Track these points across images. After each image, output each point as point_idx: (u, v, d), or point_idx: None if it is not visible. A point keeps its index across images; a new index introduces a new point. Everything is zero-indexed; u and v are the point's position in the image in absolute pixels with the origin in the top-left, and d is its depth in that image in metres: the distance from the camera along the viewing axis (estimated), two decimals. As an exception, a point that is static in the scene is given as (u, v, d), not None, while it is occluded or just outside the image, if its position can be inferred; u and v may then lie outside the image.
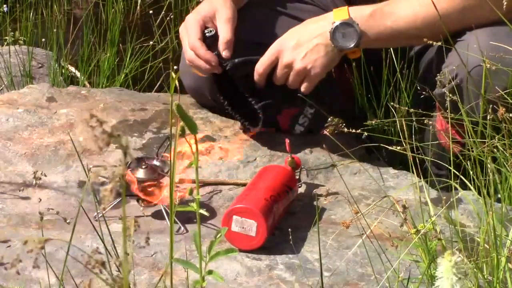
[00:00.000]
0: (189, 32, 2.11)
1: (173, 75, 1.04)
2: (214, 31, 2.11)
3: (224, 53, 2.09)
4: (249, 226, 1.79)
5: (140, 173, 1.95)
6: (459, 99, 1.74)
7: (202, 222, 1.93)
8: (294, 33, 2.08)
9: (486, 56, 1.78)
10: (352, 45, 2.02)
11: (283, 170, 1.97)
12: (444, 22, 1.86)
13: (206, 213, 1.13)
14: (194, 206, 1.12)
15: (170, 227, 1.12)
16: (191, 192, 1.16)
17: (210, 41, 2.11)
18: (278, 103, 2.18)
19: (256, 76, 2.10)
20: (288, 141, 2.02)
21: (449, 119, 1.77)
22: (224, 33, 2.10)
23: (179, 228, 1.89)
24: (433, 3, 1.83)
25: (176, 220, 1.88)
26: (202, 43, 2.10)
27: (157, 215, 1.95)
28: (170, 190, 1.10)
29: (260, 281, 1.72)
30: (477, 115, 1.79)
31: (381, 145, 1.93)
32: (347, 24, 2.02)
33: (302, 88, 2.09)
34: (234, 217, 1.79)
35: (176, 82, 1.08)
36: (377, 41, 2.05)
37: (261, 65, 2.10)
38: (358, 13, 2.03)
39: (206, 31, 2.11)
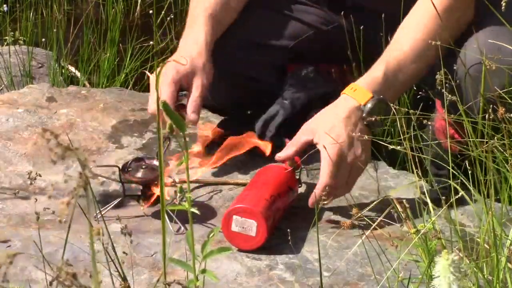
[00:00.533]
0: (163, 91, 2.03)
1: (149, 74, 1.04)
2: (186, 96, 2.09)
3: (192, 116, 2.04)
4: (249, 226, 1.79)
5: (140, 173, 1.95)
6: (458, 98, 1.73)
7: (202, 222, 1.92)
8: (336, 129, 1.91)
9: (485, 54, 1.78)
10: (387, 114, 1.91)
11: (283, 170, 1.97)
12: (445, 38, 1.87)
13: (197, 212, 1.13)
14: (186, 205, 1.12)
15: (162, 226, 1.12)
16: (181, 190, 1.16)
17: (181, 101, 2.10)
18: None
19: (322, 192, 1.88)
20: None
21: (446, 119, 1.77)
22: (195, 97, 2.05)
23: (179, 228, 1.88)
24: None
25: (177, 220, 1.88)
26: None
27: (157, 215, 1.95)
28: (160, 189, 1.10)
29: (260, 281, 1.72)
30: (475, 114, 1.79)
31: (380, 141, 1.92)
32: (377, 101, 1.92)
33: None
34: (234, 217, 1.79)
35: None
36: (402, 93, 2.04)
37: (332, 178, 1.89)
38: (374, 84, 1.94)
39: (179, 93, 2.10)
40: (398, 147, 1.72)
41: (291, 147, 1.94)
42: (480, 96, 1.79)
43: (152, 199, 1.94)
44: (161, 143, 1.09)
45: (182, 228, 1.89)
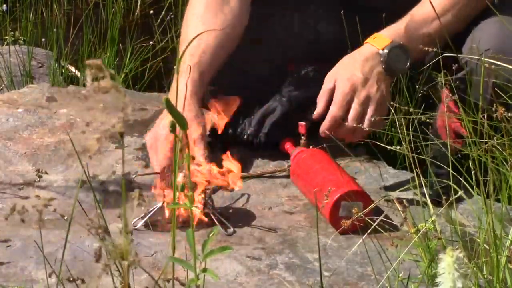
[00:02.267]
0: (159, 151, 2.03)
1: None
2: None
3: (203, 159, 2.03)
4: (358, 207, 1.78)
5: (180, 177, 1.92)
6: (469, 88, 1.76)
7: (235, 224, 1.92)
8: (352, 69, 2.03)
9: (493, 45, 1.82)
10: (407, 67, 2.03)
11: (320, 151, 2.02)
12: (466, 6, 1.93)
13: (198, 210, 1.13)
14: (187, 203, 1.12)
15: (172, 227, 1.12)
16: (182, 188, 1.17)
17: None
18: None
19: (331, 123, 2.04)
20: (304, 124, 2.08)
21: (446, 119, 1.77)
22: (201, 151, 2.03)
23: (229, 229, 1.88)
24: None
25: (226, 222, 1.88)
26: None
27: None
28: (173, 189, 1.10)
29: (260, 281, 1.72)
30: (485, 104, 1.80)
31: (379, 143, 1.93)
32: (395, 47, 2.02)
33: (375, 124, 2.04)
34: (343, 202, 1.83)
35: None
36: (419, 51, 1.99)
37: (339, 108, 2.03)
38: (395, 33, 2.04)
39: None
40: (397, 148, 1.72)
41: (321, 100, 2.05)
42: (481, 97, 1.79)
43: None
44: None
45: (232, 229, 1.89)
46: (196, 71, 2.07)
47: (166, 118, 2.07)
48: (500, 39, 1.92)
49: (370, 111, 2.02)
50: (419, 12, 2.04)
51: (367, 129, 2.01)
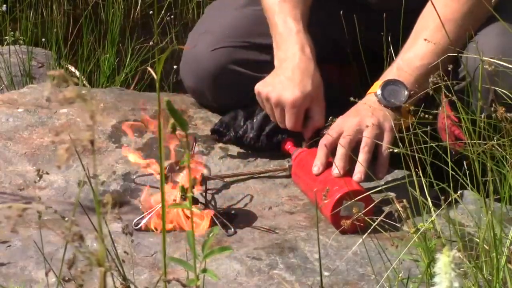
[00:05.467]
0: (291, 120, 2.06)
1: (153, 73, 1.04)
2: None
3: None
4: (358, 207, 1.78)
5: (181, 177, 1.93)
6: (470, 98, 1.76)
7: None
8: (353, 117, 1.98)
9: (496, 55, 1.80)
10: (405, 95, 1.96)
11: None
12: (459, 32, 1.91)
13: (197, 211, 1.13)
14: (187, 204, 1.12)
15: (162, 229, 1.12)
16: (182, 190, 1.17)
17: None
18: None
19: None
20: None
21: (446, 119, 1.77)
22: (318, 120, 2.08)
23: (230, 229, 1.88)
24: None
25: (227, 223, 1.89)
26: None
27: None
28: (161, 191, 1.10)
29: (260, 281, 1.72)
30: (485, 103, 1.80)
31: (378, 142, 1.93)
32: (386, 83, 1.98)
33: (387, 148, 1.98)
34: (344, 202, 1.83)
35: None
36: (418, 80, 1.98)
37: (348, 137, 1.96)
38: (386, 75, 2.01)
39: None
40: (396, 150, 1.72)
41: (321, 150, 1.98)
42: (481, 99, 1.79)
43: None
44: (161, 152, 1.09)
45: (233, 230, 1.89)
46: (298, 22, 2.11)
47: (286, 75, 2.07)
48: (502, 46, 1.92)
49: (385, 137, 1.96)
50: (410, 52, 2.00)
51: (384, 154, 1.96)
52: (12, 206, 0.85)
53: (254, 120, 2.18)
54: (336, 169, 1.91)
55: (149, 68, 1.07)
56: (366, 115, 1.95)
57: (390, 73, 2.01)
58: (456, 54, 1.87)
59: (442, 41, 1.94)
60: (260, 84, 2.10)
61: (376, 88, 1.99)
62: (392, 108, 1.97)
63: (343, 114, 2.00)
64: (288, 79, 2.06)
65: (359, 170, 1.92)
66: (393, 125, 1.94)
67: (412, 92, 1.95)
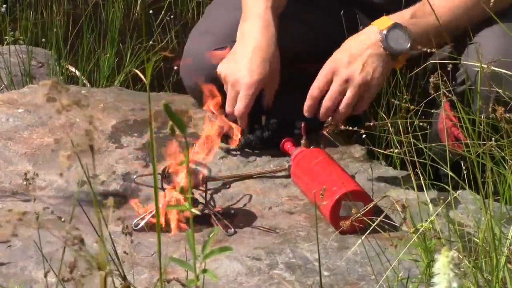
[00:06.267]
0: (243, 101, 2.08)
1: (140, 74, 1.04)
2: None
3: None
4: (358, 207, 1.78)
5: (181, 178, 1.92)
6: (472, 100, 1.76)
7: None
8: (344, 50, 2.05)
9: (496, 57, 1.80)
10: (407, 47, 2.00)
11: (321, 151, 2.04)
12: (478, 10, 1.93)
13: (197, 212, 1.13)
14: (186, 205, 1.12)
15: (157, 228, 1.12)
16: (181, 191, 1.17)
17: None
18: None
19: (309, 102, 2.07)
20: (304, 124, 2.08)
21: (444, 120, 1.77)
22: (268, 102, 2.12)
23: (228, 229, 1.88)
24: None
25: (227, 223, 1.89)
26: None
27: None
28: (154, 192, 1.10)
29: (260, 281, 1.72)
30: (484, 104, 1.80)
31: (377, 150, 1.94)
32: (396, 28, 2.01)
33: (364, 105, 2.06)
34: (343, 202, 1.83)
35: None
36: (424, 39, 2.00)
37: (316, 88, 2.05)
38: (400, 16, 2.04)
39: None
40: (395, 151, 1.72)
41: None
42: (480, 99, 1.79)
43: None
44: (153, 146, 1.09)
45: (233, 230, 1.89)
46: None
47: (245, 53, 2.09)
48: (505, 48, 1.92)
49: (348, 92, 2.03)
50: (430, 3, 2.03)
51: (343, 111, 2.02)
52: (12, 210, 0.85)
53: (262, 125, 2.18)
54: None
55: (137, 71, 1.07)
56: (346, 60, 2.01)
57: (403, 17, 2.02)
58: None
59: (461, 10, 1.98)
60: (221, 64, 2.13)
61: (383, 25, 2.01)
62: (389, 52, 2.01)
63: (338, 51, 2.05)
64: (247, 61, 2.08)
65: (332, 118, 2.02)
66: (379, 82, 2.01)
67: (415, 45, 1.98)
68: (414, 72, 2.03)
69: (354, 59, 2.01)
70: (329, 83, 2.03)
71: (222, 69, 2.13)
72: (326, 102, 2.03)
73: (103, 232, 1.07)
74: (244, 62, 2.08)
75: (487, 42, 1.95)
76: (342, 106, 2.03)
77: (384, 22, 2.02)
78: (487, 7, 1.85)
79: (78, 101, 0.91)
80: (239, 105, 2.08)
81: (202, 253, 1.17)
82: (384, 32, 2.00)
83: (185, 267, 1.16)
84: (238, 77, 2.08)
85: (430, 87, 1.75)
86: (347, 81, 2.02)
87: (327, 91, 2.04)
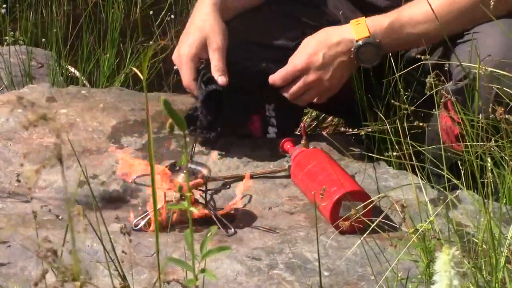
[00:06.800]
0: (184, 72, 2.13)
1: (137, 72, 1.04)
2: (205, 62, 2.13)
3: (220, 80, 2.09)
4: (357, 207, 1.78)
5: (181, 178, 1.92)
6: (469, 98, 1.76)
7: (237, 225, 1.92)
8: (318, 50, 2.09)
9: (495, 52, 1.81)
10: (375, 64, 2.08)
11: (320, 151, 2.05)
12: (460, 18, 1.92)
13: (196, 211, 1.13)
14: (185, 204, 1.12)
15: (155, 227, 1.12)
16: (180, 189, 1.17)
17: (206, 69, 2.13)
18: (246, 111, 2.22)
19: (270, 82, 2.15)
20: (304, 124, 2.12)
21: (439, 121, 1.76)
22: (215, 62, 2.11)
23: (228, 229, 1.88)
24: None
25: (227, 223, 1.89)
26: (195, 83, 2.12)
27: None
28: (152, 190, 1.10)
29: (260, 281, 1.72)
30: (485, 104, 1.80)
31: (377, 156, 1.94)
32: (370, 43, 2.05)
33: (317, 100, 2.15)
34: (343, 202, 1.83)
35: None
36: (398, 47, 2.10)
37: (280, 78, 2.13)
38: (377, 26, 2.06)
39: (198, 65, 2.14)
40: (394, 154, 1.73)
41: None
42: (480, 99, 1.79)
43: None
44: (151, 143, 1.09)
45: (233, 230, 1.89)
46: None
47: (188, 34, 2.14)
48: (503, 46, 1.92)
49: (311, 93, 2.12)
50: (407, 12, 2.06)
51: (300, 104, 2.16)
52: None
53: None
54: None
55: (134, 69, 1.07)
56: (320, 64, 2.08)
57: (381, 25, 2.06)
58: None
59: (440, 19, 1.95)
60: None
61: (359, 34, 2.05)
62: (357, 62, 2.08)
63: (321, 32, 2.12)
64: (185, 40, 2.14)
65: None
66: (341, 85, 2.11)
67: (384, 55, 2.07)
68: (408, 69, 2.04)
69: (326, 64, 2.08)
70: (295, 77, 2.11)
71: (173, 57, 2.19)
72: (288, 95, 2.13)
73: (101, 233, 1.08)
74: (183, 41, 2.15)
75: (487, 39, 1.94)
76: (300, 100, 2.15)
77: (361, 31, 2.06)
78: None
79: (44, 115, 0.91)
80: (183, 81, 2.15)
81: (200, 253, 1.18)
82: (358, 43, 2.06)
83: (184, 267, 1.16)
84: (176, 56, 2.16)
85: (426, 88, 1.75)
86: (313, 83, 2.10)
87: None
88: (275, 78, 2.13)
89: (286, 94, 2.14)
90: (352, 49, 2.06)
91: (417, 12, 2.03)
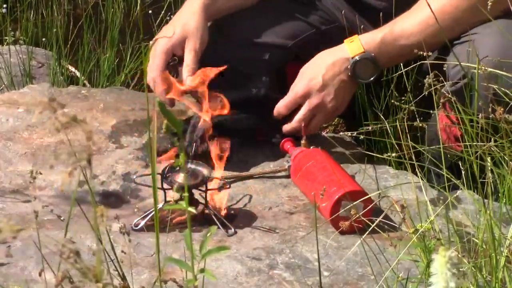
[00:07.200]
0: (154, 61, 2.11)
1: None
2: (177, 60, 2.12)
3: (187, 81, 2.08)
4: (357, 208, 1.78)
5: (181, 178, 1.91)
6: (468, 98, 1.76)
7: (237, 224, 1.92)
8: (316, 73, 2.10)
9: (492, 53, 1.81)
10: (372, 79, 2.09)
11: (320, 151, 2.05)
12: (453, 25, 1.93)
13: (194, 211, 1.13)
14: (183, 204, 1.12)
15: (155, 227, 1.12)
16: (178, 190, 1.17)
17: (173, 69, 2.13)
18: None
19: (275, 114, 2.15)
20: (303, 125, 2.11)
21: (437, 121, 1.76)
22: (188, 62, 2.11)
23: (228, 229, 1.88)
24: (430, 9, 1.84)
25: (227, 223, 1.89)
26: (161, 79, 2.09)
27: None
28: (153, 189, 1.10)
29: (260, 281, 1.72)
30: (484, 104, 1.80)
31: (377, 155, 1.94)
32: (365, 58, 2.06)
33: (326, 123, 2.20)
34: (343, 202, 1.83)
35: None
36: (395, 60, 2.10)
37: (284, 107, 2.13)
38: (371, 41, 2.07)
39: (170, 60, 2.12)
40: (394, 154, 1.73)
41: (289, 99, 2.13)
42: (480, 98, 1.79)
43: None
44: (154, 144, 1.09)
45: (233, 230, 1.89)
46: None
47: (170, 28, 2.14)
48: (500, 45, 1.92)
49: (319, 117, 2.12)
50: (399, 24, 2.06)
51: (311, 131, 2.13)
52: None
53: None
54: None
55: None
56: (320, 85, 2.08)
57: (373, 41, 2.07)
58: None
59: (433, 29, 1.97)
60: None
61: (354, 51, 2.06)
62: (355, 79, 2.08)
63: (315, 58, 2.12)
64: (165, 30, 2.16)
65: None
66: (344, 107, 2.11)
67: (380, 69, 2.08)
68: (408, 69, 2.04)
69: (326, 85, 2.09)
70: (298, 104, 2.11)
71: None
72: (295, 124, 2.13)
73: (101, 234, 1.08)
74: (164, 32, 2.16)
75: (485, 39, 1.94)
76: (311, 128, 2.14)
77: (355, 48, 2.08)
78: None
79: (75, 117, 0.91)
80: (151, 71, 2.12)
81: (200, 253, 1.18)
82: (354, 60, 2.07)
83: (183, 267, 1.16)
84: (152, 42, 2.14)
85: (425, 88, 1.75)
86: (317, 107, 2.10)
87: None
88: (279, 108, 2.13)
89: (289, 129, 2.14)
90: (348, 66, 2.07)
91: (409, 24, 2.04)
